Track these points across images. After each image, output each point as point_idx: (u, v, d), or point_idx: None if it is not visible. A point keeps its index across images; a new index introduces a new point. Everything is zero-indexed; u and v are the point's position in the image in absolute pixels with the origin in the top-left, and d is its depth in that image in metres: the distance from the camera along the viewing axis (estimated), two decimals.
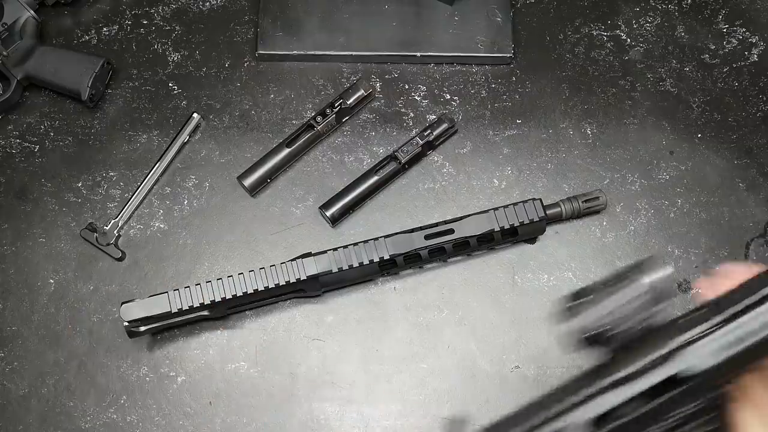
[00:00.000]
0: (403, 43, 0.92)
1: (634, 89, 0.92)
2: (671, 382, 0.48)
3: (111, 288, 0.83)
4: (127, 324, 0.76)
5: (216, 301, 0.76)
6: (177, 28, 0.94)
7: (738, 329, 0.46)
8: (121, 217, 0.85)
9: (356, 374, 0.81)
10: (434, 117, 0.90)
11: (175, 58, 0.93)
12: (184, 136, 0.88)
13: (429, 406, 0.80)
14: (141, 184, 0.87)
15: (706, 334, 0.47)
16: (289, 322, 0.83)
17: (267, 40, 0.92)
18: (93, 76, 0.87)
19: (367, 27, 0.93)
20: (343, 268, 0.79)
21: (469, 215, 0.81)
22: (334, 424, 0.79)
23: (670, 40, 0.95)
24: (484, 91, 0.92)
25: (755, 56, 0.94)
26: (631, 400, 0.48)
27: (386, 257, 0.79)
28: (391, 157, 0.87)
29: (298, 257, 0.79)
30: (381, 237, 0.80)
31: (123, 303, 0.76)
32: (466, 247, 0.82)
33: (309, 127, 0.87)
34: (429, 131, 0.87)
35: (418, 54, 0.92)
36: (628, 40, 0.94)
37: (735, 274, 0.48)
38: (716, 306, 0.47)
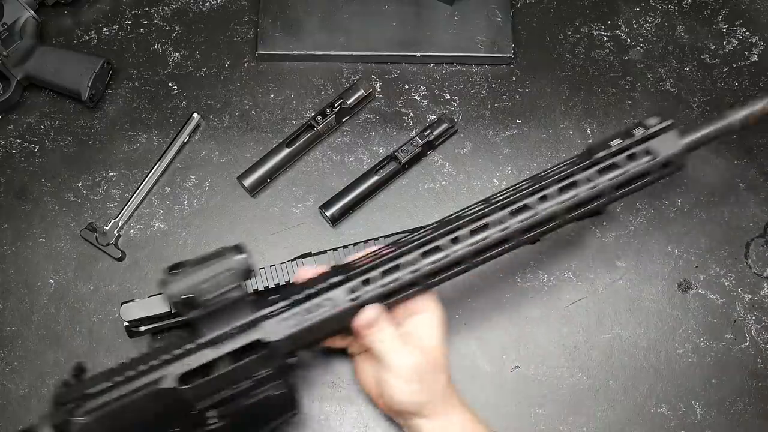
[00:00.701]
0: (403, 43, 0.92)
1: (634, 89, 0.92)
2: (255, 346, 0.63)
3: (111, 288, 0.83)
4: (127, 324, 0.76)
5: None
6: (177, 28, 0.94)
7: (300, 313, 0.64)
8: (121, 217, 0.85)
9: None
10: (434, 117, 0.90)
11: (175, 58, 0.93)
12: (184, 136, 0.88)
13: None
14: (141, 184, 0.87)
15: (278, 313, 0.64)
16: None
17: (267, 40, 0.92)
18: (93, 76, 0.87)
19: (367, 27, 0.93)
20: None
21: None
22: (334, 424, 0.79)
23: (670, 40, 0.95)
24: (484, 91, 0.92)
25: (755, 56, 0.94)
26: (220, 359, 0.62)
27: None
28: (391, 157, 0.87)
29: (298, 257, 0.79)
30: (381, 237, 0.80)
31: (123, 303, 0.76)
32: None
33: (309, 127, 0.87)
34: (429, 131, 0.87)
35: (418, 54, 0.92)
36: (628, 40, 0.94)
37: (307, 272, 0.67)
38: (286, 292, 0.65)
